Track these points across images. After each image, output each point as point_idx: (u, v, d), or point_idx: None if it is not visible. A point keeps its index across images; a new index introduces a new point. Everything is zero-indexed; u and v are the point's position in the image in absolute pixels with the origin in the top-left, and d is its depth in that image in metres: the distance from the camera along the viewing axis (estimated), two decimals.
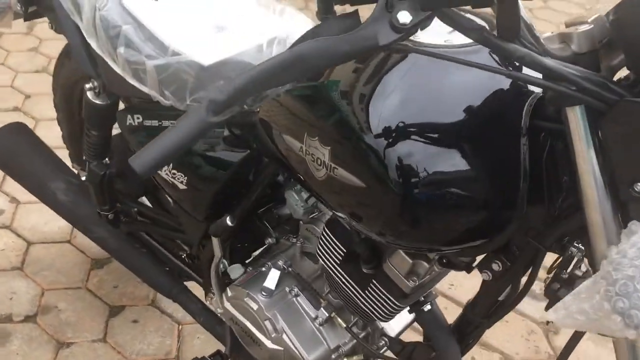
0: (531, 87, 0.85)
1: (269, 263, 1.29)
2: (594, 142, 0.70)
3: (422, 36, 0.82)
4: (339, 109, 0.88)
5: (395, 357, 1.24)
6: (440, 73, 0.84)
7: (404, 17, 0.64)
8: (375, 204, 0.87)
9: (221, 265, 1.34)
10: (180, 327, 1.95)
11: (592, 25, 0.68)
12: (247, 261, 1.38)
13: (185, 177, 1.27)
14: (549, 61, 0.66)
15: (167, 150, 0.65)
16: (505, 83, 0.85)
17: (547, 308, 0.98)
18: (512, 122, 0.82)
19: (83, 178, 1.71)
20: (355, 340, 1.26)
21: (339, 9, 0.72)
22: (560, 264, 0.93)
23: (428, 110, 0.83)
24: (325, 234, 1.13)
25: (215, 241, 1.30)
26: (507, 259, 0.95)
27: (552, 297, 0.95)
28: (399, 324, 1.29)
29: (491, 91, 0.84)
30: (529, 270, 0.97)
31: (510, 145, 0.82)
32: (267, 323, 1.24)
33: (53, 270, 2.10)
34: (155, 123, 1.31)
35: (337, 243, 1.12)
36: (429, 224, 0.87)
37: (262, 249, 1.39)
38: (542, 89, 0.77)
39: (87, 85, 1.42)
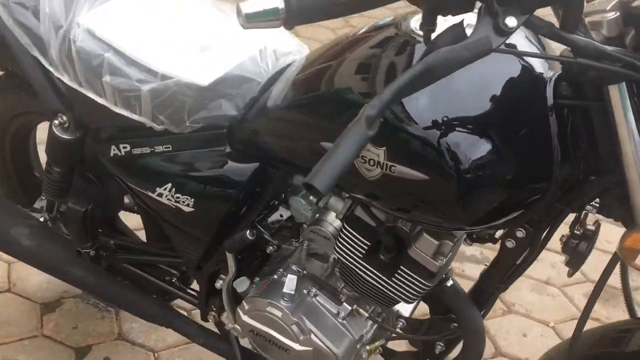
0: (540, 70, 0.97)
1: (281, 270, 1.33)
2: (634, 113, 0.83)
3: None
4: (388, 112, 0.95)
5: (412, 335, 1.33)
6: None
7: (512, 21, 0.73)
8: (435, 192, 0.95)
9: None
10: (155, 354, 1.91)
11: (617, 13, 0.80)
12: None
13: (192, 200, 1.27)
14: (605, 47, 0.78)
15: (342, 166, 0.69)
16: (522, 70, 0.96)
17: (567, 263, 1.11)
18: (539, 103, 0.94)
19: (41, 219, 1.63)
20: (374, 328, 1.33)
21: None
22: (575, 222, 1.07)
23: (467, 100, 0.92)
24: (346, 231, 1.19)
25: (229, 257, 1.31)
26: (530, 225, 1.07)
27: (572, 252, 1.08)
28: (410, 305, 1.37)
29: (515, 78, 0.95)
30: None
31: (542, 124, 0.93)
32: (294, 327, 1.28)
33: (0, 322, 1.97)
34: (146, 150, 1.29)
35: (360, 237, 1.18)
36: (480, 205, 0.96)
37: (259, 259, 1.42)
38: (564, 70, 0.90)
39: (56, 121, 1.36)
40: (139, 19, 1.31)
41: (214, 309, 1.47)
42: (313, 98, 1.09)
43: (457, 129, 0.92)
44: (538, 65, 0.98)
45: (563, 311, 2.18)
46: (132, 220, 1.90)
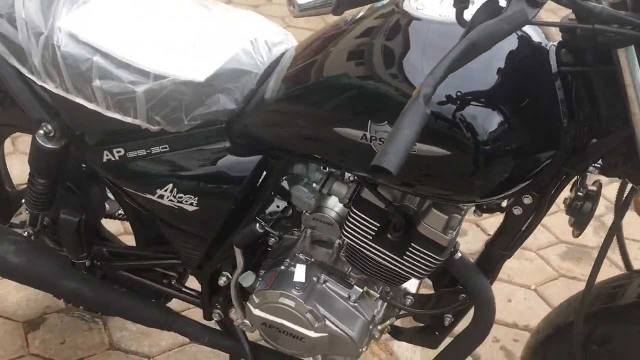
0: (539, 40, 1.01)
1: (287, 260, 1.33)
2: None
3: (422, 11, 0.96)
4: (403, 92, 0.96)
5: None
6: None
7: None
8: (455, 166, 0.97)
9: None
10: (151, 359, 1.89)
11: None
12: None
13: (196, 198, 1.25)
14: (617, 12, 0.81)
15: (407, 145, 0.69)
16: (523, 42, 0.99)
17: (572, 224, 1.16)
18: (544, 71, 0.97)
19: (24, 234, 1.58)
20: (384, 308, 1.35)
21: None
22: (579, 183, 1.11)
23: (477, 74, 0.95)
24: (354, 215, 1.20)
25: (238, 252, 1.30)
26: (536, 191, 1.11)
27: (577, 213, 1.12)
28: (415, 281, 1.40)
29: (519, 49, 0.98)
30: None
31: (549, 91, 0.97)
32: (308, 315, 1.28)
33: None
34: (142, 152, 1.27)
35: (369, 219, 1.19)
36: (496, 175, 0.99)
37: (259, 252, 1.42)
38: (564, 37, 0.93)
39: (40, 131, 1.32)
40: (122, 19, 1.27)
41: (218, 306, 1.46)
42: (321, 84, 1.09)
43: (471, 102, 0.94)
44: (536, 35, 1.01)
45: (542, 273, 2.26)
46: (111, 227, 1.87)
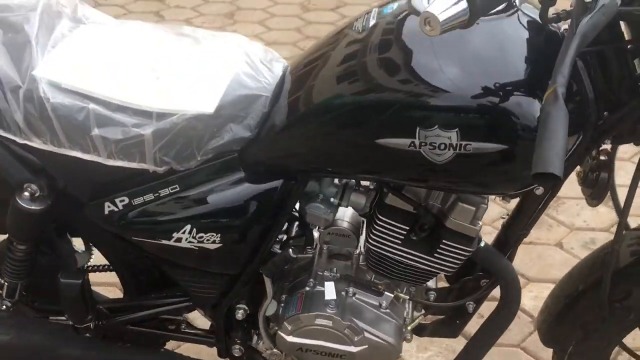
0: (551, 28, 1.05)
1: (311, 280, 1.30)
2: None
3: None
4: (452, 95, 0.97)
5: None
6: (496, 33, 1.00)
7: None
8: (510, 158, 0.99)
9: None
10: None
11: None
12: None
13: (218, 235, 1.18)
14: None
15: (564, 146, 0.68)
16: (540, 31, 1.03)
17: (590, 196, 1.22)
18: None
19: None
20: (411, 308, 1.36)
21: None
22: (591, 157, 1.17)
23: (510, 66, 0.98)
24: (381, 222, 1.19)
25: (267, 282, 1.25)
26: None
27: (594, 185, 1.19)
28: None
29: (539, 38, 1.02)
30: None
31: (576, 73, 1.01)
32: (347, 331, 1.26)
33: None
34: (150, 197, 1.18)
35: (398, 224, 1.19)
36: None
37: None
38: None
39: (25, 193, 1.20)
40: (100, 58, 1.18)
41: (238, 341, 1.40)
42: (358, 100, 1.07)
43: (514, 94, 0.97)
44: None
45: None
46: None
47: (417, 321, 1.37)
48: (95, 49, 1.19)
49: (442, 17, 0.75)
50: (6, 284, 1.39)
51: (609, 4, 0.81)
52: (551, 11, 0.93)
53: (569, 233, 2.40)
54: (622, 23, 1.01)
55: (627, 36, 1.02)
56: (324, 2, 4.05)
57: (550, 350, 1.49)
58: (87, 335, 1.37)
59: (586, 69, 1.04)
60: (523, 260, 2.22)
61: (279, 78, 1.19)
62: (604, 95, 1.06)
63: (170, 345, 1.59)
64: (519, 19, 1.02)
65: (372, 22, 1.09)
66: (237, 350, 1.41)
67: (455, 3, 0.75)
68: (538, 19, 1.04)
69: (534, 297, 2.11)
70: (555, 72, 0.78)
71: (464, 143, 0.98)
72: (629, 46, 1.02)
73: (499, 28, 1.00)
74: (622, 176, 1.28)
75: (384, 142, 1.02)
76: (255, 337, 1.41)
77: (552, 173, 0.72)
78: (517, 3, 1.02)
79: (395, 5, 1.09)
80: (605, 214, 2.47)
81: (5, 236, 1.39)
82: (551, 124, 0.74)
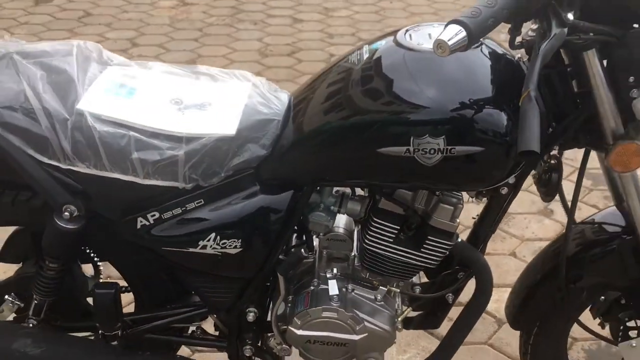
0: (510, 57, 1.31)
1: (315, 280, 1.49)
2: (603, 70, 1.21)
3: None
4: (438, 110, 1.22)
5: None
6: (467, 61, 1.25)
7: (570, 16, 1.10)
8: (486, 159, 1.24)
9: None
10: None
11: None
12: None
13: (239, 241, 1.37)
14: (592, 25, 1.14)
15: (538, 131, 0.91)
16: (505, 59, 1.29)
17: (543, 194, 1.47)
18: (518, 75, 1.26)
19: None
20: (399, 301, 1.57)
21: None
22: (544, 161, 1.43)
23: (485, 87, 1.23)
24: (376, 224, 1.41)
25: (281, 280, 1.43)
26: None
27: (546, 184, 1.44)
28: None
29: (503, 64, 1.28)
30: None
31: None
32: (350, 321, 1.45)
33: None
34: (178, 211, 1.36)
35: (389, 225, 1.40)
36: (511, 161, 1.27)
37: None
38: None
39: (66, 214, 1.36)
40: (128, 95, 1.37)
41: (249, 342, 1.57)
42: (359, 118, 1.29)
43: (486, 107, 1.22)
44: (508, 54, 1.32)
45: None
46: None
47: (406, 312, 1.58)
48: (125, 85, 1.38)
49: (450, 43, 1.00)
50: (35, 301, 1.53)
51: (560, 33, 1.07)
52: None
53: (520, 244, 2.68)
54: (562, 51, 1.28)
55: (566, 61, 1.30)
56: (280, 49, 4.34)
57: (514, 345, 1.72)
58: (113, 344, 1.52)
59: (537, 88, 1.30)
60: None
61: (287, 105, 1.41)
62: (552, 109, 1.32)
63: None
64: (481, 50, 1.29)
65: (365, 56, 1.33)
66: (248, 351, 1.58)
67: (457, 33, 1.00)
68: (497, 49, 1.31)
69: (495, 300, 2.33)
70: (527, 81, 1.03)
71: (449, 147, 1.22)
72: (568, 69, 1.30)
73: (469, 57, 1.25)
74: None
75: (384, 150, 1.25)
76: (264, 337, 1.59)
77: (532, 150, 0.96)
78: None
79: (382, 42, 1.34)
80: (549, 225, 2.77)
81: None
82: (529, 117, 0.98)
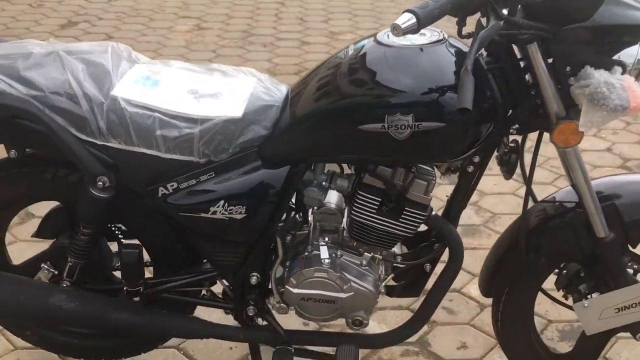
0: (462, 48, 1.57)
1: (309, 247, 1.74)
2: (545, 61, 1.46)
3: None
4: (408, 93, 1.48)
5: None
6: (433, 58, 1.51)
7: (505, 12, 1.37)
8: (447, 134, 1.49)
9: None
10: None
11: None
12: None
13: (244, 207, 1.62)
14: (528, 22, 1.40)
15: (472, 93, 1.17)
16: (462, 54, 1.55)
17: (504, 173, 1.71)
18: (482, 71, 1.52)
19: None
20: (384, 268, 1.80)
21: None
22: (503, 143, 1.68)
23: (449, 76, 1.48)
24: (361, 197, 1.65)
25: (279, 244, 1.68)
26: (481, 152, 1.65)
27: (507, 164, 1.68)
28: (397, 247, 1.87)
29: (459, 58, 1.53)
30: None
31: (488, 83, 1.52)
32: (338, 281, 1.70)
33: None
34: (193, 182, 1.62)
35: (373, 197, 1.65)
36: (468, 138, 1.52)
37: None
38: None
39: (100, 183, 1.62)
40: (152, 84, 1.64)
41: (252, 302, 1.81)
42: (343, 103, 1.55)
43: (445, 90, 1.47)
44: (465, 49, 1.58)
45: None
46: None
47: (388, 279, 1.82)
48: (147, 77, 1.66)
49: (403, 26, 1.26)
50: (70, 264, 1.79)
51: (495, 24, 1.33)
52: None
53: None
54: (514, 47, 1.54)
55: (519, 56, 1.55)
56: (288, 68, 4.64)
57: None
58: (136, 299, 1.77)
59: (494, 79, 1.56)
60: (470, 261, 2.68)
61: (285, 94, 1.68)
62: (507, 97, 1.57)
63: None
64: (447, 47, 1.55)
65: (351, 52, 1.60)
66: (251, 310, 1.82)
67: (409, 20, 1.27)
68: (461, 47, 1.57)
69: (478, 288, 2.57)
70: (466, 59, 1.28)
71: (417, 123, 1.47)
72: (521, 64, 1.55)
73: (435, 52, 1.51)
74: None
75: (364, 127, 1.51)
76: (265, 299, 1.83)
77: (466, 107, 1.22)
78: (446, 36, 1.55)
79: (365, 41, 1.61)
80: None
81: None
82: (465, 84, 1.23)
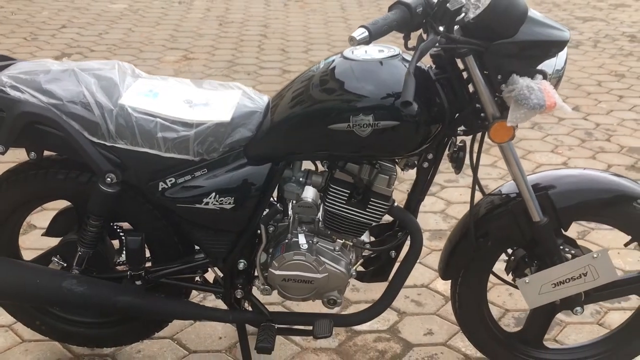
0: (423, 67, 1.88)
1: (289, 235, 2.01)
2: (480, 71, 1.77)
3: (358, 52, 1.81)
4: (369, 97, 1.77)
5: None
6: (389, 69, 1.82)
7: (441, 29, 1.68)
8: (402, 131, 1.78)
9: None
10: None
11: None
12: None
13: (232, 198, 1.90)
14: (465, 38, 1.71)
15: (413, 90, 1.47)
16: (418, 68, 1.85)
17: (454, 168, 2.01)
18: (431, 80, 1.83)
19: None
20: (354, 253, 2.08)
21: None
22: (452, 143, 1.97)
23: (396, 82, 1.77)
24: (333, 190, 1.93)
25: (263, 229, 1.95)
26: (434, 150, 1.95)
27: (456, 160, 1.97)
28: (366, 236, 2.14)
29: (420, 72, 1.83)
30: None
31: (436, 91, 1.83)
32: (314, 263, 1.97)
33: None
34: (188, 177, 1.90)
35: (342, 190, 1.93)
36: (419, 135, 1.82)
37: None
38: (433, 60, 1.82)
39: (108, 179, 1.89)
40: (153, 95, 1.93)
41: (240, 286, 2.07)
42: (316, 107, 1.83)
43: (399, 95, 1.76)
44: (421, 64, 1.88)
45: None
46: None
47: (359, 263, 2.10)
48: (152, 90, 1.95)
49: (357, 38, 1.56)
50: (79, 253, 2.04)
51: (433, 38, 1.65)
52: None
53: None
54: (458, 60, 1.85)
55: (461, 67, 1.86)
56: (271, 94, 4.93)
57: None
58: (138, 283, 2.02)
59: (442, 88, 1.86)
60: (436, 261, 2.92)
61: (266, 102, 1.98)
62: (453, 103, 1.88)
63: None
64: (400, 60, 1.85)
65: (322, 66, 1.90)
66: (239, 293, 2.08)
67: (362, 33, 1.57)
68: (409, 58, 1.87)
69: (445, 283, 2.84)
70: (409, 65, 1.59)
71: (377, 122, 1.77)
72: (463, 73, 1.86)
73: (391, 64, 1.81)
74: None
75: (332, 127, 1.80)
76: (250, 283, 2.09)
77: (408, 100, 1.52)
78: (400, 52, 1.85)
79: (334, 57, 1.91)
80: None
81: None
82: (407, 83, 1.53)
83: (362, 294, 2.75)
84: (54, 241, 2.18)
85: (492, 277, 2.21)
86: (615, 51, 6.24)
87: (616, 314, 2.64)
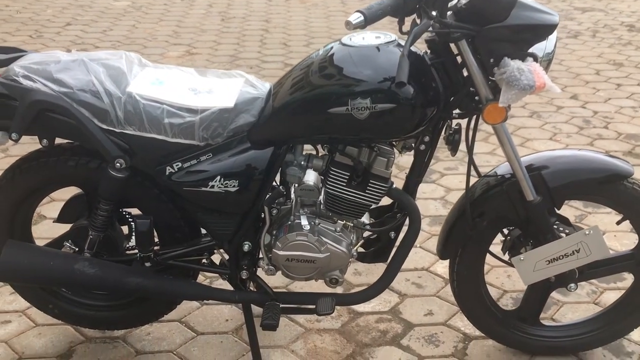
0: (418, 51, 1.95)
1: (291, 217, 2.09)
2: (473, 55, 1.84)
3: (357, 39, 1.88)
4: (366, 82, 1.84)
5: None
6: (386, 54, 1.89)
7: (434, 13, 1.74)
8: (398, 114, 1.85)
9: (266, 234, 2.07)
10: (175, 352, 2.43)
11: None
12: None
13: (237, 181, 1.97)
14: (457, 23, 1.78)
15: (407, 71, 1.54)
16: (412, 53, 1.92)
17: (450, 150, 2.08)
18: (426, 65, 1.90)
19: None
20: (354, 233, 2.15)
21: None
22: (448, 126, 2.05)
23: (393, 66, 1.84)
24: (333, 173, 2.01)
25: (266, 211, 2.03)
26: (430, 133, 2.02)
27: (452, 142, 2.04)
28: (366, 218, 2.22)
29: (416, 57, 1.90)
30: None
31: (431, 75, 1.90)
32: (316, 243, 2.04)
33: None
34: (194, 162, 1.98)
35: (342, 172, 2.00)
36: (416, 117, 1.89)
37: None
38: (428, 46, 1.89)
39: (117, 164, 1.96)
40: (159, 82, 2.01)
41: (245, 267, 2.14)
42: (315, 92, 1.90)
43: (389, 83, 1.84)
44: (415, 49, 1.95)
45: None
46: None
47: (359, 244, 2.17)
48: (156, 77, 2.02)
49: (353, 22, 1.64)
50: (90, 237, 2.12)
51: (426, 22, 1.72)
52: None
53: None
54: (452, 45, 1.92)
55: (455, 52, 1.93)
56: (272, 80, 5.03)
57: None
58: (147, 265, 2.10)
59: (437, 72, 1.94)
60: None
61: (268, 89, 2.05)
62: (447, 87, 1.95)
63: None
64: (396, 46, 1.92)
65: (321, 53, 1.97)
66: (244, 274, 2.16)
67: (358, 17, 1.65)
68: (412, 47, 1.94)
69: (444, 267, 2.92)
70: (403, 47, 1.66)
71: (374, 105, 1.84)
72: (457, 57, 1.93)
73: (387, 50, 1.88)
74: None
75: (332, 110, 1.87)
76: (255, 264, 2.16)
77: (402, 81, 1.59)
78: (395, 38, 1.93)
79: (333, 44, 1.98)
80: None
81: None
82: (402, 66, 1.60)
83: (364, 277, 2.82)
84: (64, 229, 2.26)
85: (490, 259, 2.28)
86: (613, 40, 6.29)
87: (612, 294, 2.70)
